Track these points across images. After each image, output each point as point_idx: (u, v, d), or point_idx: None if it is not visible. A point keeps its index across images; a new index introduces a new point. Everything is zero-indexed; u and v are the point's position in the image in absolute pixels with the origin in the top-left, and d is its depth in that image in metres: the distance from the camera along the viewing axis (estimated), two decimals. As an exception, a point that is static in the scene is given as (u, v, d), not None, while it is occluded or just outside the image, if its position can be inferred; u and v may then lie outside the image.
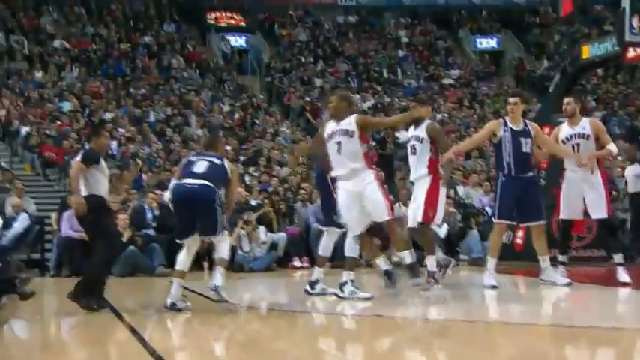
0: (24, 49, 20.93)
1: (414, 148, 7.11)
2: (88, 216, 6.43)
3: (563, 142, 7.44)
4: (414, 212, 7.07)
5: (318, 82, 22.98)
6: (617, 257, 7.39)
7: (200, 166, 6.31)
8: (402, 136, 10.48)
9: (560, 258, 7.62)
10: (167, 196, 6.68)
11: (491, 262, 7.31)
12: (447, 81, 24.35)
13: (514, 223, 7.58)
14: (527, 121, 7.43)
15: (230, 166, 6.54)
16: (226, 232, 6.42)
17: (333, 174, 6.52)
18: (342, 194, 6.42)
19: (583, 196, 7.37)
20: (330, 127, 6.51)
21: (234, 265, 10.26)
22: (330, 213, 6.85)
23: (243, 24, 26.05)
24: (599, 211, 7.32)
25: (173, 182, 6.49)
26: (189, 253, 6.32)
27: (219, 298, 6.11)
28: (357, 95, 22.14)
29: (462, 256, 11.39)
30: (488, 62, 26.49)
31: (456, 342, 4.67)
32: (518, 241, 11.42)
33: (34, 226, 10.75)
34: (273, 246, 11.00)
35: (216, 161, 6.39)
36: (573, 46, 16.46)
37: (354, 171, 6.34)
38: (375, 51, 25.64)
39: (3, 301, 4.48)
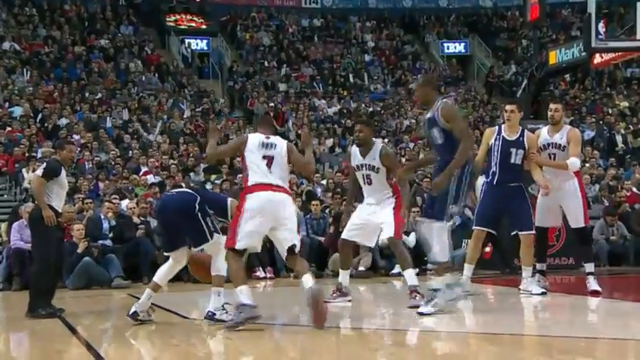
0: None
1: (368, 177, 6.94)
2: (34, 226, 6.86)
3: (540, 149, 7.53)
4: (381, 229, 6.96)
5: (282, 86, 23.00)
6: (589, 266, 7.49)
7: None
8: None
9: (538, 266, 7.70)
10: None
11: (466, 268, 7.38)
12: (414, 86, 24.55)
13: (492, 231, 7.56)
14: (526, 132, 7.41)
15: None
16: (220, 236, 6.03)
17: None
18: None
19: (559, 204, 7.45)
20: None
21: (193, 277, 10.16)
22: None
23: (204, 27, 25.98)
24: (577, 220, 7.40)
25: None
26: (173, 269, 6.15)
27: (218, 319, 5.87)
28: (323, 101, 22.23)
29: (429, 266, 11.45)
30: (456, 67, 26.82)
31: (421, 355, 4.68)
32: (487, 249, 11.55)
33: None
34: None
35: None
36: (541, 52, 16.72)
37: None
38: (341, 55, 25.78)
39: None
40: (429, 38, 28.46)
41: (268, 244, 11.36)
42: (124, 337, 5.71)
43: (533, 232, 7.32)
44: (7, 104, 17.95)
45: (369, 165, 6.82)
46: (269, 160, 5.79)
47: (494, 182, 7.31)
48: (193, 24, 25.94)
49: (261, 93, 21.86)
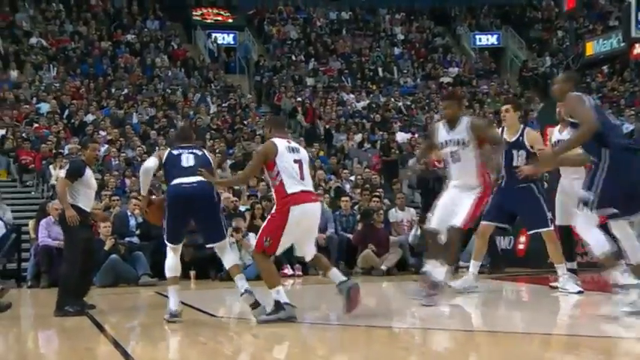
0: (-2, 48, 20.88)
1: (456, 154, 6.65)
2: (63, 225, 6.92)
3: (552, 146, 7.48)
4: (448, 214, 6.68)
5: (309, 81, 23.00)
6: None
7: (188, 160, 6.12)
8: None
9: (568, 265, 7.61)
10: (148, 164, 6.25)
11: (472, 265, 7.50)
12: (445, 79, 24.41)
13: (501, 225, 7.63)
14: (526, 131, 7.36)
15: (211, 157, 6.45)
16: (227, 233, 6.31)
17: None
18: None
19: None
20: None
21: (223, 274, 10.24)
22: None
23: (230, 20, 26.08)
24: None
25: (172, 182, 6.07)
26: (177, 257, 6.22)
27: (252, 303, 5.90)
28: (351, 95, 22.21)
29: (461, 264, 11.39)
30: (488, 60, 26.60)
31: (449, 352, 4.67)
32: (521, 247, 11.47)
33: (9, 234, 10.72)
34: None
35: (199, 153, 6.28)
36: (577, 43, 16.50)
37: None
38: (370, 48, 25.70)
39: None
40: (460, 30, 28.25)
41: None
42: (151, 335, 5.78)
43: (550, 227, 7.26)
44: (34, 100, 18.24)
45: (457, 140, 6.55)
46: (300, 165, 5.89)
47: (503, 185, 7.35)
48: (220, 18, 26.06)
49: (288, 88, 21.90)
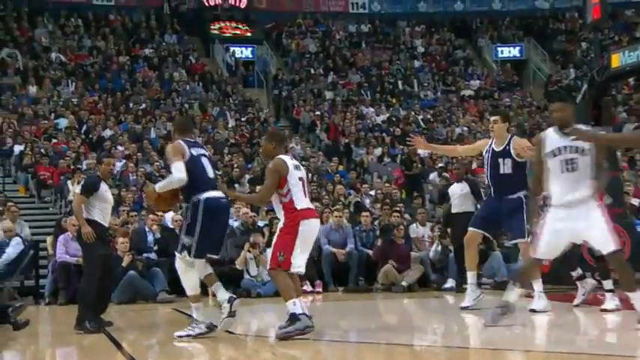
0: (17, 63, 21.18)
1: (572, 162, 5.92)
2: (80, 241, 7.02)
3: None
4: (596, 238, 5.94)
5: (328, 94, 23.06)
6: (607, 284, 7.40)
7: (208, 168, 6.21)
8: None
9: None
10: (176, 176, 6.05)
11: (470, 277, 7.69)
12: (466, 92, 24.38)
13: (487, 234, 7.85)
14: (513, 139, 7.49)
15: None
16: None
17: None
18: None
19: None
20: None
21: (241, 291, 10.26)
22: None
23: (249, 34, 26.26)
24: None
25: (204, 195, 6.03)
26: (197, 275, 6.27)
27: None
28: (371, 109, 22.23)
29: (484, 280, 11.33)
30: (511, 72, 26.52)
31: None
32: (545, 262, 11.33)
33: (27, 250, 10.77)
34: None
35: (208, 154, 6.39)
36: (602, 55, 16.41)
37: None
38: (390, 61, 25.74)
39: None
40: (481, 42, 28.22)
41: (315, 257, 11.53)
42: (169, 353, 5.80)
43: (525, 239, 7.26)
44: (52, 115, 18.46)
45: (574, 147, 5.84)
46: (303, 182, 6.09)
47: (492, 194, 7.56)
48: (238, 32, 26.26)
49: (307, 101, 21.99)
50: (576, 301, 7.66)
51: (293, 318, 5.78)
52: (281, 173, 5.96)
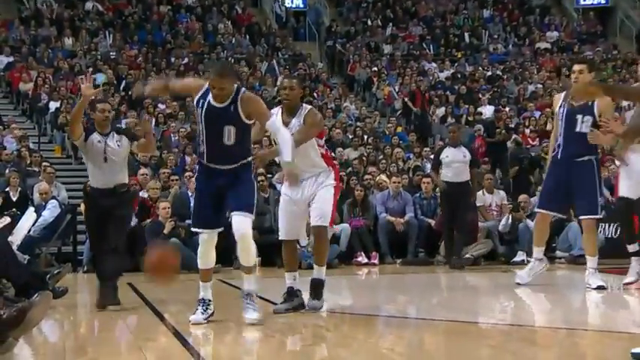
0: (52, 13, 21.51)
1: None
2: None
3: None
4: None
5: (387, 48, 22.88)
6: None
7: None
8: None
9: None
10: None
11: (535, 251, 7.61)
12: (541, 45, 23.87)
13: (559, 214, 7.88)
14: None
15: None
16: None
17: None
18: None
19: None
20: None
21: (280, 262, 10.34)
22: None
23: (300, -19, 26.11)
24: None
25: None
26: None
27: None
28: (433, 64, 21.98)
29: (558, 253, 11.21)
30: (594, 22, 25.82)
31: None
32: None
33: (64, 214, 11.02)
34: (335, 239, 11.04)
35: None
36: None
37: None
38: (455, 11, 25.34)
39: (34, 298, 4.62)
40: (561, -12, 27.54)
41: (371, 226, 11.57)
42: (213, 326, 5.90)
43: (597, 216, 7.27)
44: (90, 70, 18.73)
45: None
46: None
47: (559, 156, 7.29)
48: (288, -21, 26.13)
49: (363, 56, 21.85)
50: (627, 279, 7.40)
51: (321, 286, 6.04)
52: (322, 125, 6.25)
